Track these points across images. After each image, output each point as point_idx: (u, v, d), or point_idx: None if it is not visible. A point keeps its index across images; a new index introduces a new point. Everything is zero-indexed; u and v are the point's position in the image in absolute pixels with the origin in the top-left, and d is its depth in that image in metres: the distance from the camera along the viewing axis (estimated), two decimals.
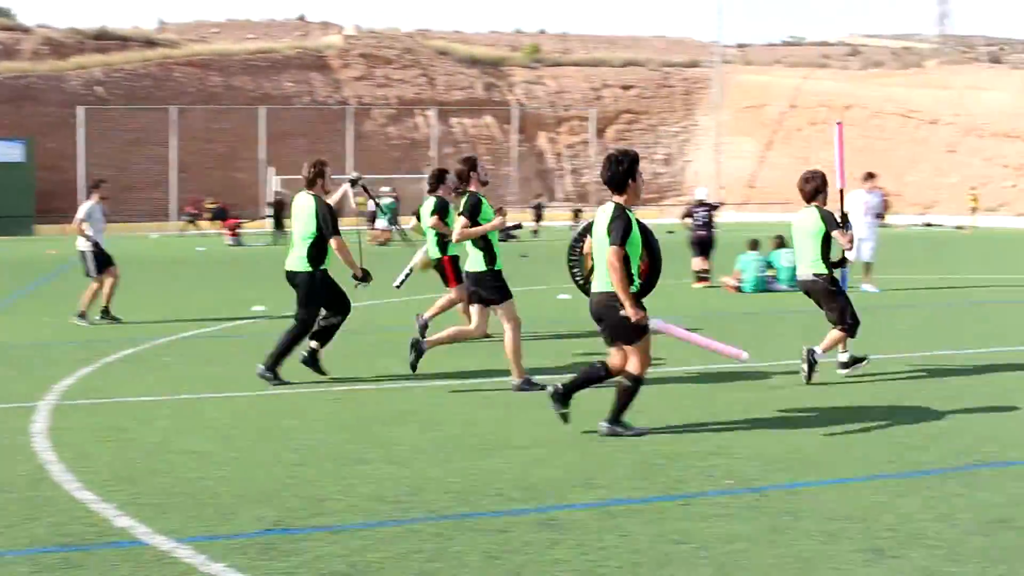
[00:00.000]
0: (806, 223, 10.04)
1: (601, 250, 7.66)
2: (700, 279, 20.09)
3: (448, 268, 12.51)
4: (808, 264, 10.04)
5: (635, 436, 7.69)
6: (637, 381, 7.71)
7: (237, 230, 40.72)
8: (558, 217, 51.81)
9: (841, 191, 10.28)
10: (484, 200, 9.95)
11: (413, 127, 71.29)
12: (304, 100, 68.65)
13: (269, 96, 66.65)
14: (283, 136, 62.82)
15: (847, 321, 9.81)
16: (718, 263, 20.32)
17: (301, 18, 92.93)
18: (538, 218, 45.24)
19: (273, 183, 51.69)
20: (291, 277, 10.17)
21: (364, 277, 10.33)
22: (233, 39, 78.20)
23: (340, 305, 10.31)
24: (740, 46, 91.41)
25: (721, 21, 67.22)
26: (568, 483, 6.51)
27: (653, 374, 9.93)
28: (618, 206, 7.64)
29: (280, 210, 42.67)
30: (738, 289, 18.88)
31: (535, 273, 21.93)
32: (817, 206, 9.99)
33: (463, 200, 9.84)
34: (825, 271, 9.92)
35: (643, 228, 7.74)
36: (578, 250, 10.42)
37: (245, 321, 15.17)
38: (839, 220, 9.86)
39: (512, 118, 71.55)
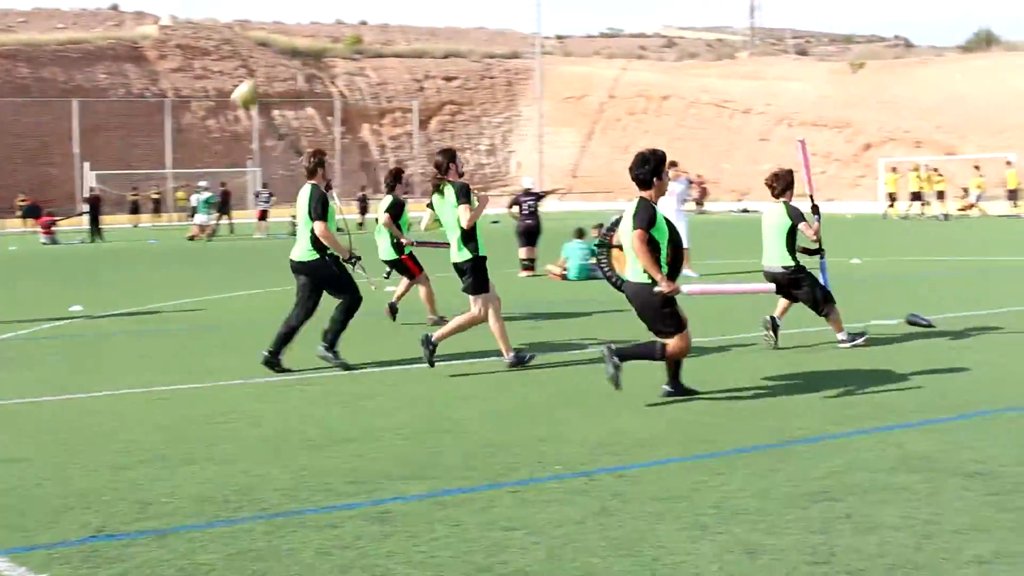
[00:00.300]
0: (773, 218, 10.80)
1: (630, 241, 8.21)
2: (526, 268, 20.23)
3: (409, 263, 13.18)
4: (776, 257, 10.79)
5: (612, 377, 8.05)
6: (663, 357, 8.30)
7: (52, 228, 39.26)
8: None
9: (811, 196, 11.28)
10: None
11: (234, 120, 69.93)
12: (119, 92, 66.62)
13: (82, 88, 64.44)
14: (98, 130, 60.93)
15: (824, 299, 10.73)
16: (543, 251, 20.48)
17: (114, 7, 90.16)
18: (363, 211, 44.82)
19: (88, 179, 50.06)
20: (299, 268, 10.15)
21: (351, 258, 10.32)
22: (41, 28, 75.41)
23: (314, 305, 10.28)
24: (560, 38, 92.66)
25: (540, 13, 67.64)
26: (398, 475, 6.49)
27: (482, 363, 10.05)
28: (643, 199, 8.22)
29: (97, 207, 41.31)
30: (563, 277, 19.13)
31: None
32: (785, 202, 10.77)
33: (451, 188, 9.82)
34: (792, 263, 10.68)
35: (667, 221, 8.35)
36: (606, 246, 10.56)
37: (62, 322, 14.63)
38: (803, 214, 10.79)
39: (335, 110, 70.89)
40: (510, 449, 7.07)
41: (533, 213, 20.57)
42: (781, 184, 10.84)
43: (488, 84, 79.62)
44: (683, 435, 7.36)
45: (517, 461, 6.77)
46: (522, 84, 79.57)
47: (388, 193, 13.35)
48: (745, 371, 9.74)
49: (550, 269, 19.45)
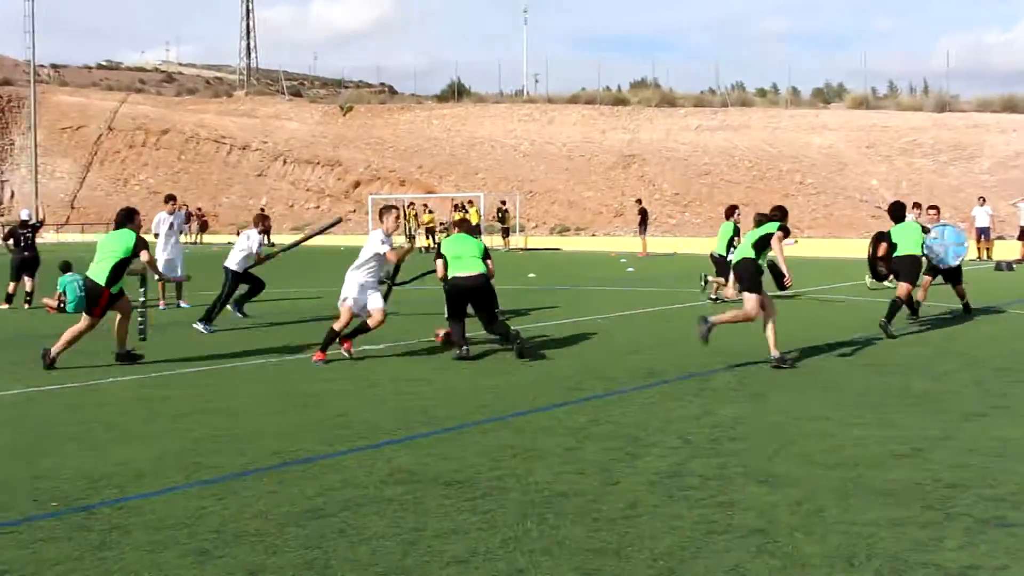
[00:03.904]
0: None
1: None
2: (26, 301, 18.92)
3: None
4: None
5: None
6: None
7: None
8: None
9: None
10: None
11: None
12: None
13: None
14: None
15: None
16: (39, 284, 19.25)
17: None
18: None
19: None
20: None
21: None
22: None
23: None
24: (55, 67, 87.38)
25: (33, 40, 63.34)
26: None
27: None
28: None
29: None
30: (61, 310, 18.07)
31: None
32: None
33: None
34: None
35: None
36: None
37: None
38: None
39: None
40: (3, 488, 6.54)
41: (31, 245, 19.28)
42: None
43: None
44: (185, 463, 7.16)
45: (10, 501, 6.27)
46: (15, 112, 74.29)
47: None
48: (239, 396, 9.67)
49: (47, 302, 18.31)
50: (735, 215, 18.94)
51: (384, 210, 12.15)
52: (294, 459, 7.26)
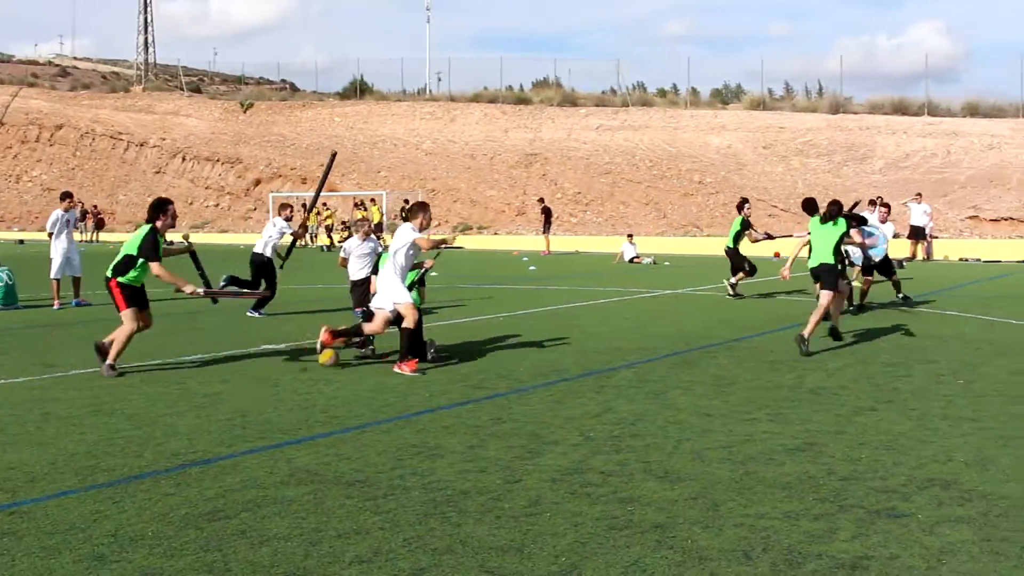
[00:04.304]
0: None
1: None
2: None
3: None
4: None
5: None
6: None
7: None
8: None
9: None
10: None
11: None
12: None
13: None
14: None
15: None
16: None
17: None
18: None
19: None
20: None
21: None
22: None
23: None
24: None
25: None
26: None
27: None
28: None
29: None
30: None
31: None
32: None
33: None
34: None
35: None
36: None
37: None
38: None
39: None
40: None
41: None
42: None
43: None
44: (79, 466, 6.99)
45: None
46: None
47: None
48: (136, 397, 9.48)
49: None
50: (745, 209, 19.30)
51: (420, 206, 11.59)
52: (193, 460, 7.14)
